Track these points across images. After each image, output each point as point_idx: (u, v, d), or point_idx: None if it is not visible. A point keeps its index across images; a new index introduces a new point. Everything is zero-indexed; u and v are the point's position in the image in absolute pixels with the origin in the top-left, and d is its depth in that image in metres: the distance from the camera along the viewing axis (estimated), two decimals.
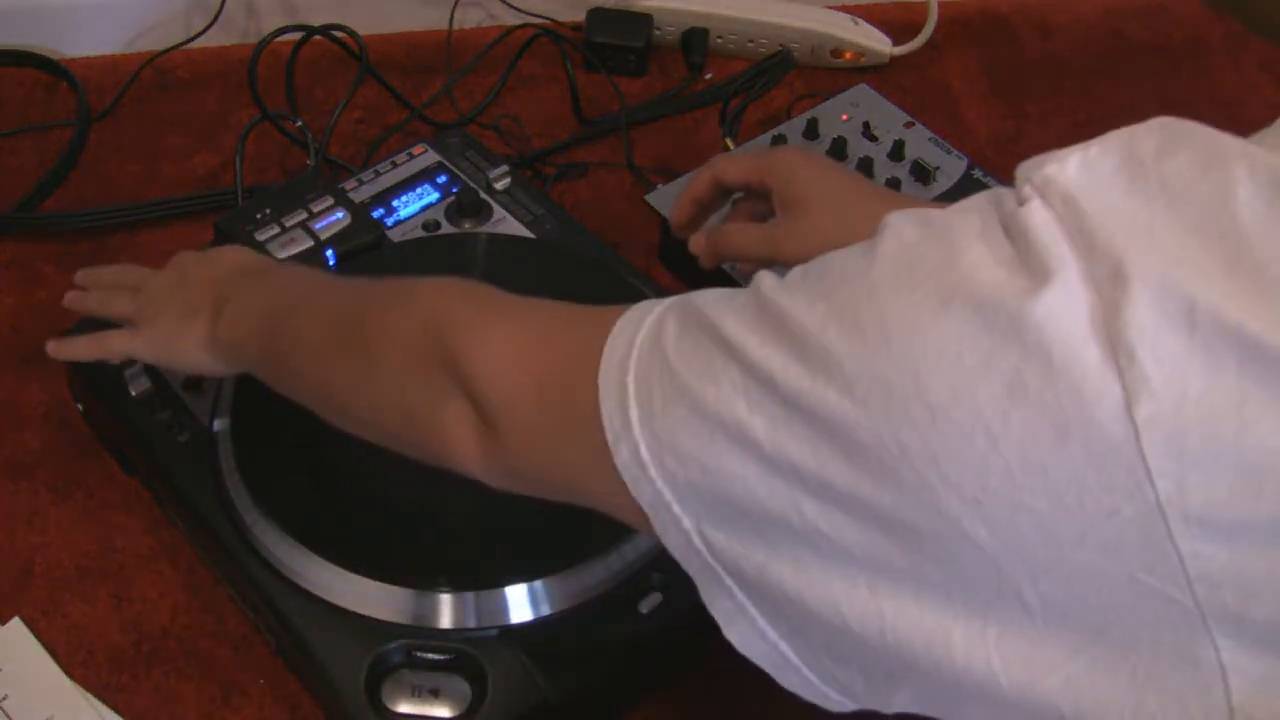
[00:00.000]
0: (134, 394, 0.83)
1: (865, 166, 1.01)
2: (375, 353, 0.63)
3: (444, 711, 0.71)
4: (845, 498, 0.45)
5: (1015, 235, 0.44)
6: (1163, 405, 0.40)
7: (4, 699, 0.78)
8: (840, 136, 1.03)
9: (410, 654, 0.73)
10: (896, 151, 1.02)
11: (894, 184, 1.00)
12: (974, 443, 0.42)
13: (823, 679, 0.50)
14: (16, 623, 0.82)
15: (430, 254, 0.92)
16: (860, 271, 0.47)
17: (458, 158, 0.99)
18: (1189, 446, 0.40)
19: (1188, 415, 0.40)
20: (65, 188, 1.07)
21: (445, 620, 0.74)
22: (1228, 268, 0.41)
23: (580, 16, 1.19)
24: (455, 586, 0.74)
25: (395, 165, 0.98)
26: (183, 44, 1.16)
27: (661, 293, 0.88)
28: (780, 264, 0.82)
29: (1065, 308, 0.42)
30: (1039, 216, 0.44)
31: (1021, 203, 0.45)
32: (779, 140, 1.04)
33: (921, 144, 1.03)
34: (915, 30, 1.20)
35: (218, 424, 0.82)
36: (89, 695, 0.79)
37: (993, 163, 1.06)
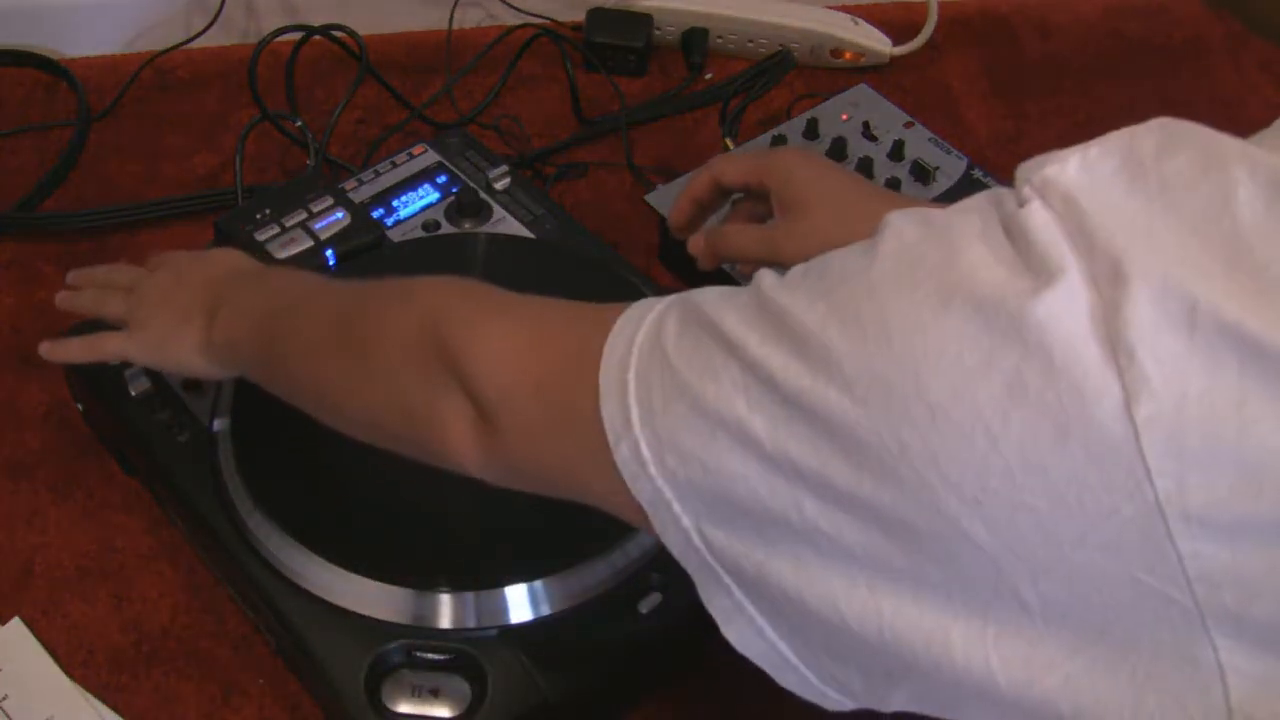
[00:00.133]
0: (134, 394, 0.83)
1: (865, 166, 1.01)
2: (373, 352, 0.64)
3: (444, 711, 0.71)
4: (845, 497, 0.45)
5: (1015, 236, 0.44)
6: (1163, 405, 0.40)
7: (4, 699, 0.78)
8: (840, 136, 1.03)
9: (410, 654, 0.73)
10: (896, 151, 1.02)
11: (894, 184, 1.00)
12: (974, 442, 0.42)
13: (821, 678, 0.51)
14: (16, 623, 0.82)
15: (430, 254, 0.92)
16: (861, 271, 0.47)
17: (458, 158, 0.99)
18: (1189, 446, 0.40)
19: (1188, 415, 0.40)
20: (65, 188, 1.07)
21: (445, 620, 0.74)
22: (1228, 268, 0.41)
23: (580, 16, 1.19)
24: (455, 586, 0.74)
25: (395, 165, 0.98)
26: (183, 44, 1.16)
27: (661, 292, 0.88)
28: (779, 265, 0.82)
29: (1066, 307, 0.42)
30: (1039, 217, 0.44)
31: (1021, 204, 0.45)
32: (779, 140, 1.04)
33: (921, 144, 1.03)
34: (915, 30, 1.20)
35: (218, 424, 0.82)
36: (89, 695, 0.79)
37: (993, 163, 1.06)
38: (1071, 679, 0.44)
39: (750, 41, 1.20)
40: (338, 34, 1.10)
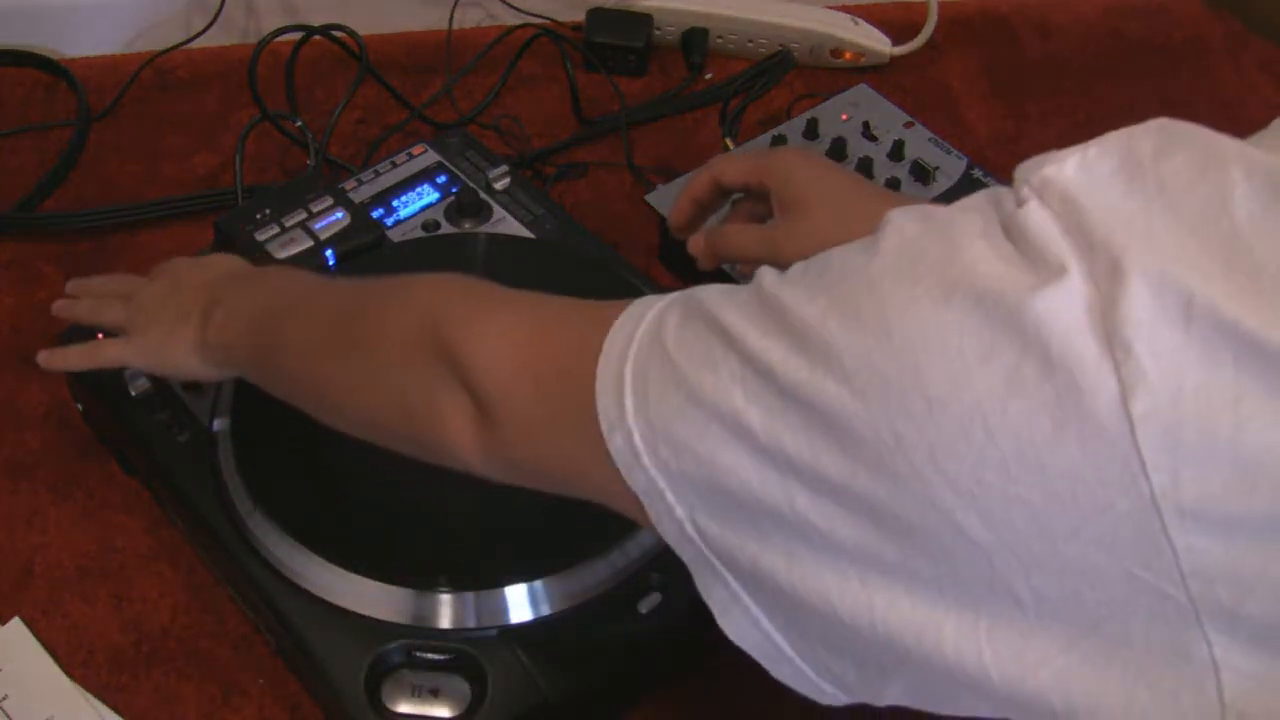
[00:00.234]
0: (134, 394, 0.83)
1: (865, 166, 1.01)
2: (372, 349, 0.64)
3: (444, 711, 0.71)
4: (839, 490, 0.45)
5: (1015, 235, 0.45)
6: (1159, 399, 0.40)
7: (4, 699, 0.78)
8: (840, 136, 1.03)
9: (410, 654, 0.73)
10: (896, 151, 1.02)
11: (894, 184, 1.00)
12: (970, 435, 0.43)
13: (816, 670, 0.51)
14: (16, 623, 0.82)
15: (430, 254, 0.92)
16: (861, 266, 0.47)
17: (458, 158, 0.99)
18: (1184, 441, 0.40)
19: (1183, 410, 0.40)
20: (65, 188, 1.07)
21: (445, 620, 0.74)
22: (1225, 268, 0.41)
23: (580, 16, 1.19)
24: (455, 586, 0.74)
25: (395, 165, 0.98)
26: (183, 44, 1.16)
27: (662, 292, 0.88)
28: (780, 265, 0.82)
29: (1064, 303, 0.42)
30: (1037, 216, 0.44)
31: (1020, 203, 0.45)
32: (779, 140, 1.04)
33: (921, 144, 1.03)
34: (915, 30, 1.20)
35: (218, 424, 0.82)
36: (89, 695, 0.79)
37: (993, 163, 1.06)
38: (1064, 673, 0.44)
39: (750, 41, 1.20)
40: (338, 34, 1.10)
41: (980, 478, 0.43)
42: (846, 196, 0.81)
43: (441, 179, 0.97)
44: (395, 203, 0.96)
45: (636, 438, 0.50)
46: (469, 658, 0.72)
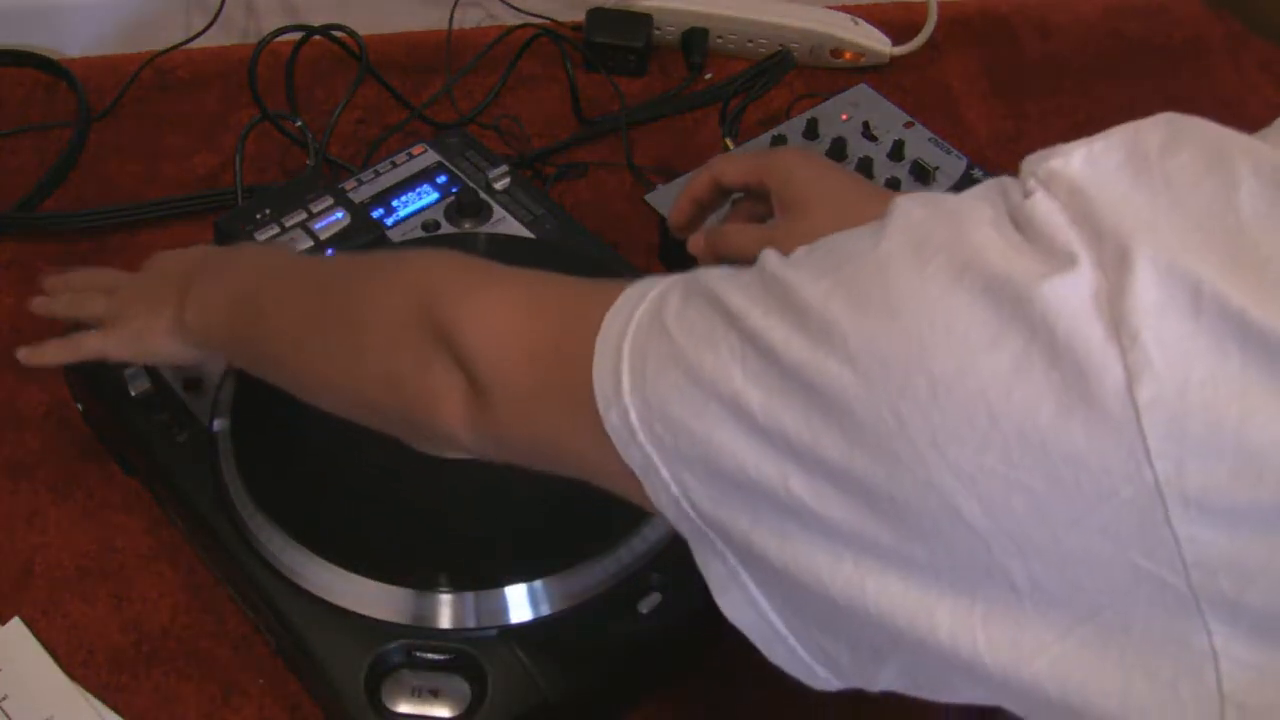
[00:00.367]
0: (134, 394, 0.83)
1: (865, 166, 1.01)
2: (361, 325, 0.63)
3: (444, 711, 0.71)
4: (836, 473, 0.45)
5: (1022, 225, 0.45)
6: (1165, 387, 0.40)
7: (4, 699, 0.78)
8: (840, 136, 1.03)
9: (410, 654, 0.73)
10: (896, 151, 1.02)
11: (894, 184, 1.00)
12: (974, 420, 0.42)
13: (810, 652, 0.50)
14: (16, 623, 0.82)
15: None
16: (868, 248, 0.47)
17: (457, 158, 0.99)
18: (1190, 430, 0.40)
19: (1190, 399, 0.40)
20: (65, 188, 1.07)
21: (445, 620, 0.74)
22: (1231, 262, 0.41)
23: (580, 16, 1.19)
24: (455, 586, 0.74)
25: (395, 165, 0.98)
26: (183, 44, 1.16)
27: None
28: None
29: (1072, 289, 0.42)
30: (1044, 207, 0.44)
31: (1026, 195, 0.45)
32: (779, 140, 1.04)
33: (921, 144, 1.03)
34: (915, 30, 1.20)
35: (218, 424, 0.82)
36: (89, 695, 0.79)
37: (993, 163, 1.07)
38: (1060, 661, 0.44)
39: (750, 41, 1.20)
40: (338, 34, 1.10)
41: (982, 462, 0.42)
42: (846, 196, 0.81)
43: (441, 179, 0.97)
44: (395, 203, 0.96)
45: (632, 415, 0.50)
46: (469, 658, 0.72)
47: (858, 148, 1.03)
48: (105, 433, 0.89)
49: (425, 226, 0.94)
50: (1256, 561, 0.41)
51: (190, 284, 0.74)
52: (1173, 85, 1.22)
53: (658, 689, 0.80)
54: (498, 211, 0.95)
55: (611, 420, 0.51)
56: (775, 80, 1.17)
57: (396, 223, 0.95)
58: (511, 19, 1.20)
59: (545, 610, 0.74)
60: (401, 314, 0.61)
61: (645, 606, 0.75)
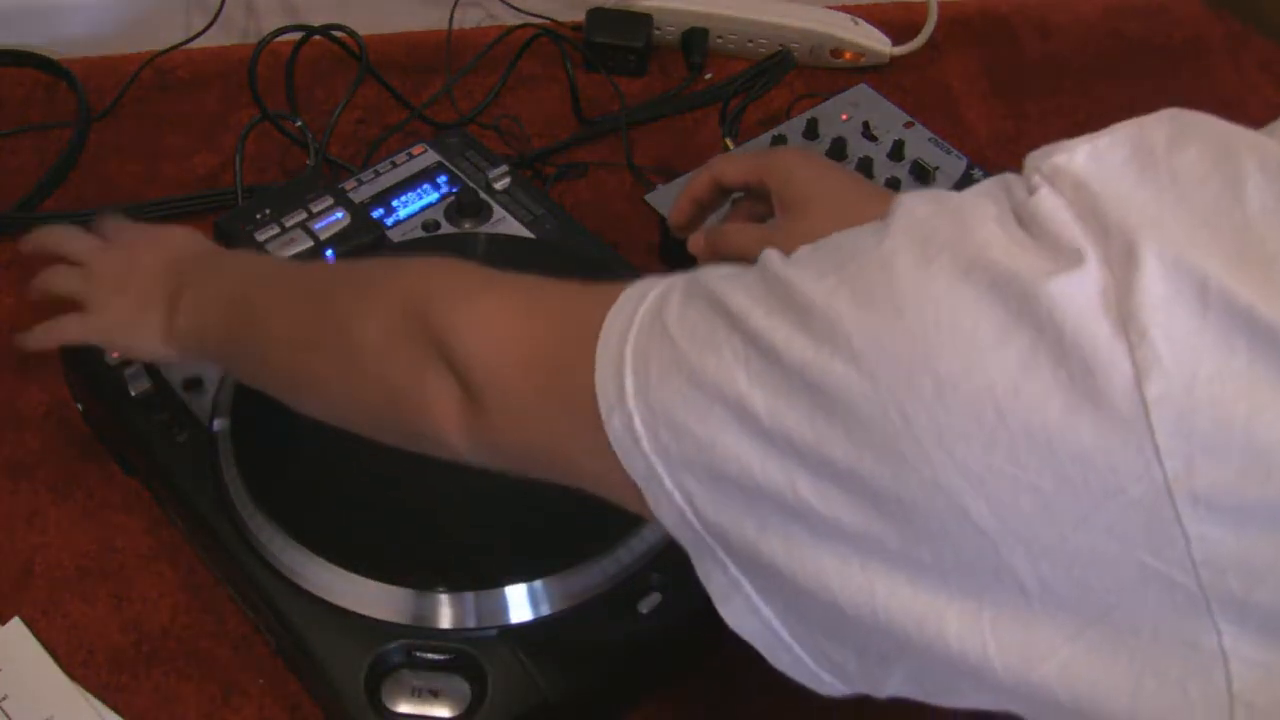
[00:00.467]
0: (134, 394, 0.83)
1: (865, 166, 1.01)
2: (354, 331, 0.62)
3: (444, 711, 0.71)
4: (843, 474, 0.45)
5: (1027, 221, 0.44)
6: (1173, 384, 0.40)
7: (4, 699, 0.78)
8: (840, 136, 1.03)
9: (410, 654, 0.73)
10: (896, 151, 1.02)
11: (894, 184, 1.00)
12: (981, 418, 0.42)
13: (815, 659, 0.50)
14: (16, 623, 0.82)
15: (430, 254, 0.92)
16: (872, 246, 0.47)
17: (458, 158, 0.99)
18: (1199, 427, 0.40)
19: (1198, 395, 0.40)
20: (65, 188, 1.07)
21: (445, 620, 0.74)
22: (1238, 258, 0.41)
23: (580, 16, 1.19)
24: (455, 586, 0.74)
25: (395, 165, 0.98)
26: (183, 44, 1.16)
27: None
28: None
29: (1079, 286, 0.42)
30: (1050, 203, 0.44)
31: (1031, 191, 0.45)
32: (779, 140, 1.04)
33: (921, 144, 1.03)
34: (915, 30, 1.20)
35: (218, 424, 0.82)
36: (89, 695, 0.79)
37: (993, 163, 1.07)
38: (1070, 664, 0.44)
39: (750, 41, 1.20)
40: (338, 34, 1.10)
41: (990, 461, 0.42)
42: (847, 196, 0.81)
43: (441, 179, 0.97)
44: (395, 203, 0.96)
45: (637, 421, 0.50)
46: (469, 658, 0.72)
47: (858, 148, 1.03)
48: (105, 433, 0.89)
49: (425, 226, 0.94)
50: (1265, 560, 0.41)
51: (181, 289, 0.74)
52: (1173, 85, 1.21)
53: (658, 689, 0.80)
54: (498, 211, 0.95)
55: (614, 426, 0.50)
56: (775, 80, 1.17)
57: (396, 223, 0.94)
58: (511, 19, 1.20)
59: (545, 610, 0.74)
60: (395, 320, 0.60)
61: (645, 606, 0.75)
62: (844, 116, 1.06)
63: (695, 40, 1.19)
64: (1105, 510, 0.41)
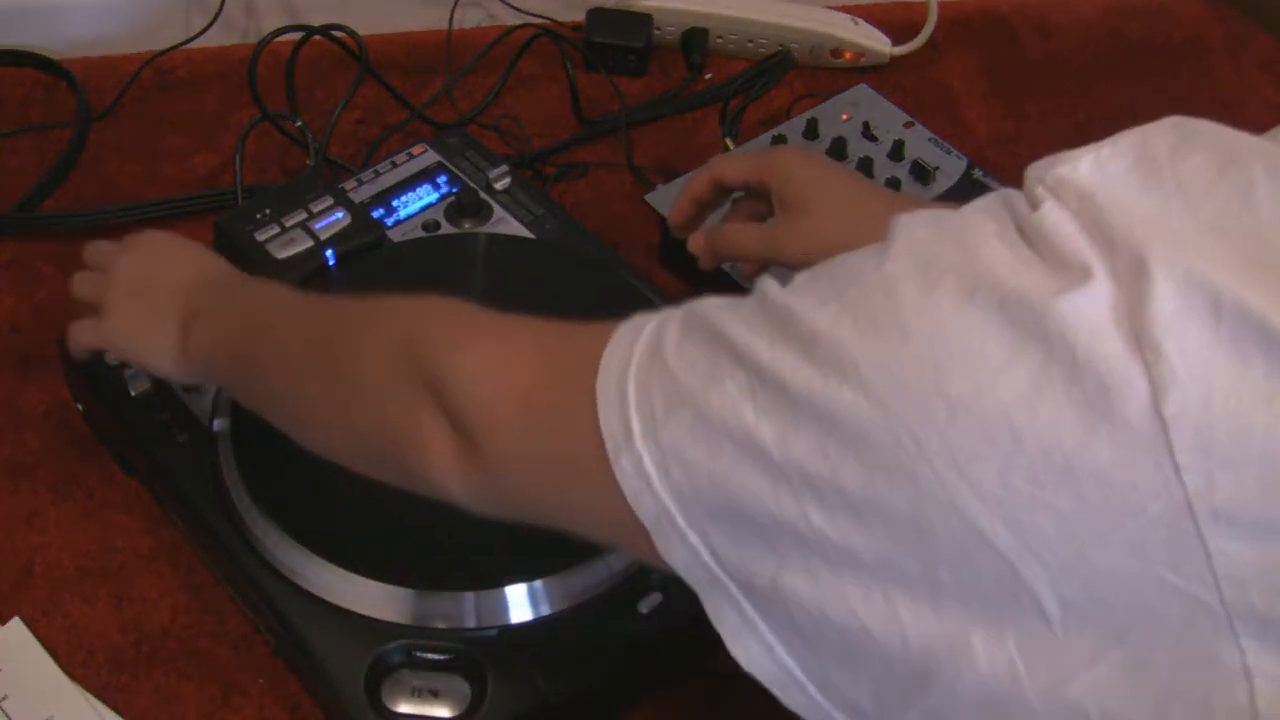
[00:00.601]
0: (134, 394, 0.83)
1: (865, 166, 1.01)
2: (351, 371, 0.62)
3: (444, 711, 0.71)
4: (857, 502, 0.44)
5: (1032, 237, 0.44)
6: (1190, 400, 0.40)
7: (4, 699, 0.78)
8: (840, 136, 1.03)
9: (410, 654, 0.73)
10: (896, 151, 1.02)
11: (894, 184, 1.00)
12: (996, 439, 0.42)
13: (829, 696, 0.49)
14: (16, 623, 0.82)
15: (430, 254, 0.92)
16: (873, 270, 0.46)
17: (458, 158, 0.99)
18: (1217, 441, 0.40)
19: (1216, 410, 0.40)
20: (65, 188, 1.07)
21: (445, 620, 0.74)
22: (1248, 265, 0.41)
23: (580, 16, 1.19)
24: (455, 586, 0.74)
25: (395, 165, 0.98)
26: (183, 44, 1.16)
27: (662, 293, 0.89)
28: (780, 264, 0.82)
29: (1089, 303, 0.41)
30: (1055, 216, 0.44)
31: (1035, 205, 0.45)
32: (779, 140, 1.04)
33: (921, 144, 1.03)
34: (915, 30, 1.20)
35: (218, 424, 0.82)
36: (89, 695, 0.79)
37: (993, 163, 1.07)
38: (1094, 686, 0.43)
39: (750, 41, 1.20)
40: (338, 34, 1.10)
41: (1006, 482, 0.42)
42: (847, 195, 0.81)
43: (441, 179, 0.97)
44: (395, 203, 0.96)
45: (647, 461, 0.49)
46: (469, 658, 0.72)
47: (858, 148, 1.03)
48: (105, 433, 0.89)
49: (425, 226, 0.94)
50: None
51: (194, 316, 0.73)
52: (1173, 85, 1.21)
53: (658, 689, 0.80)
54: (498, 211, 0.95)
55: (623, 466, 0.49)
56: (775, 80, 1.17)
57: (396, 223, 0.94)
58: (511, 19, 1.20)
59: (545, 610, 0.74)
60: (390, 361, 0.60)
61: (645, 606, 0.75)
62: (844, 116, 1.06)
63: (695, 40, 1.19)
64: (1125, 528, 0.41)
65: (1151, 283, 0.40)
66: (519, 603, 0.74)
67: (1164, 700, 0.43)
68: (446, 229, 0.94)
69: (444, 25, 1.18)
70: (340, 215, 0.91)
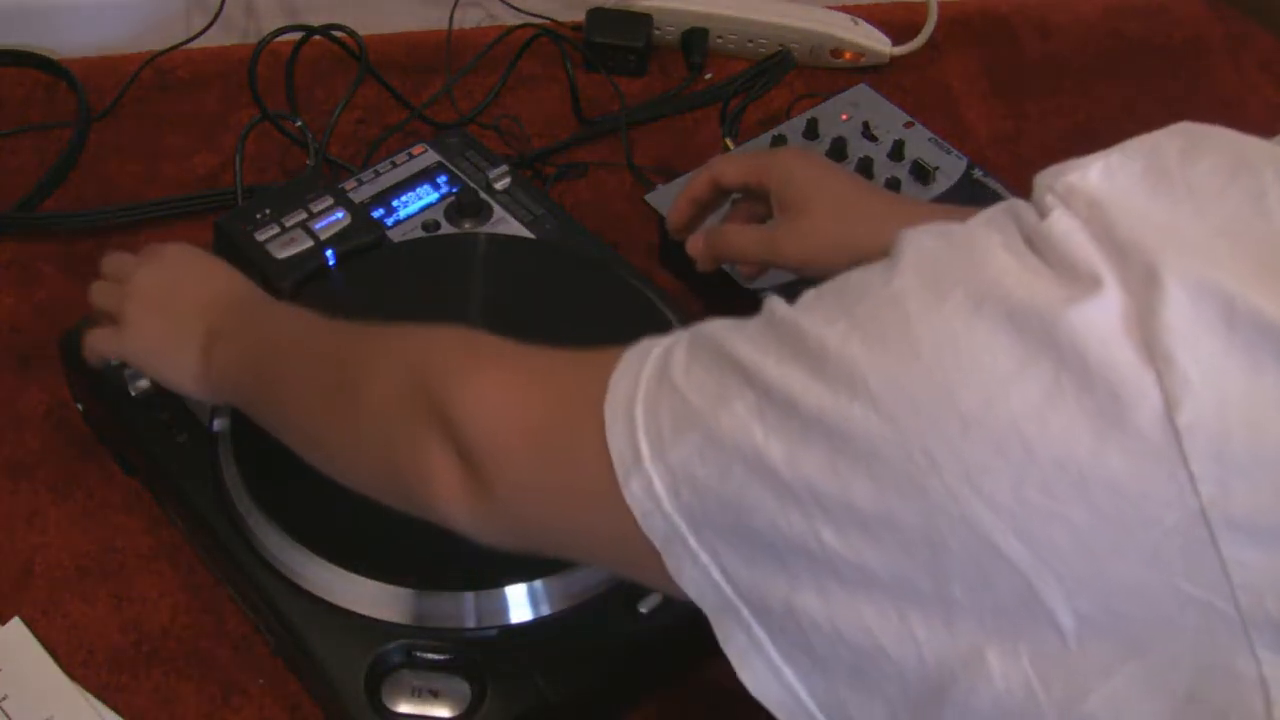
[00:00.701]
0: (134, 394, 0.83)
1: (865, 166, 1.01)
2: (362, 400, 0.62)
3: (444, 711, 0.71)
4: (869, 519, 0.44)
5: (1040, 247, 0.44)
6: (1204, 409, 0.39)
7: (4, 699, 0.78)
8: (840, 136, 1.03)
9: (410, 654, 0.73)
10: (896, 151, 1.02)
11: (894, 184, 1.00)
12: (1008, 452, 0.42)
13: None
14: (16, 623, 0.82)
15: (430, 254, 0.92)
16: (881, 285, 0.46)
17: (458, 158, 0.99)
18: (1232, 450, 0.39)
19: (1229, 419, 0.39)
20: (65, 188, 1.07)
21: (445, 620, 0.74)
22: (1260, 271, 0.40)
23: (580, 16, 1.19)
24: (455, 586, 0.74)
25: (395, 165, 0.98)
26: (183, 44, 1.16)
27: (662, 293, 0.89)
28: (779, 265, 0.82)
29: (1099, 312, 0.41)
30: (1064, 225, 0.43)
31: (1044, 213, 0.44)
32: (779, 140, 1.04)
33: (921, 144, 1.03)
34: (915, 30, 1.20)
35: (218, 424, 0.82)
36: (89, 695, 0.79)
37: (993, 163, 1.07)
38: (1110, 699, 0.43)
39: (750, 41, 1.20)
40: (338, 34, 1.10)
41: (1020, 495, 0.41)
42: (847, 197, 0.80)
43: (441, 179, 0.97)
44: (395, 203, 0.96)
45: (657, 483, 0.49)
46: (469, 658, 0.72)
47: (858, 148, 1.03)
48: (105, 433, 0.89)
49: (425, 226, 0.94)
50: None
51: (215, 337, 0.73)
52: (1173, 85, 1.21)
53: (658, 689, 0.80)
54: (498, 211, 0.95)
55: (632, 490, 0.49)
56: (775, 80, 1.17)
57: (396, 223, 0.94)
58: (511, 19, 1.20)
59: (545, 610, 0.74)
60: (400, 390, 0.60)
61: (645, 606, 0.75)
62: (844, 116, 1.06)
63: (695, 40, 1.19)
64: (1139, 539, 0.41)
65: (1163, 290, 0.40)
66: (519, 603, 0.74)
67: (1180, 711, 0.43)
68: (446, 229, 0.94)
69: (444, 25, 1.18)
70: (340, 215, 0.91)
